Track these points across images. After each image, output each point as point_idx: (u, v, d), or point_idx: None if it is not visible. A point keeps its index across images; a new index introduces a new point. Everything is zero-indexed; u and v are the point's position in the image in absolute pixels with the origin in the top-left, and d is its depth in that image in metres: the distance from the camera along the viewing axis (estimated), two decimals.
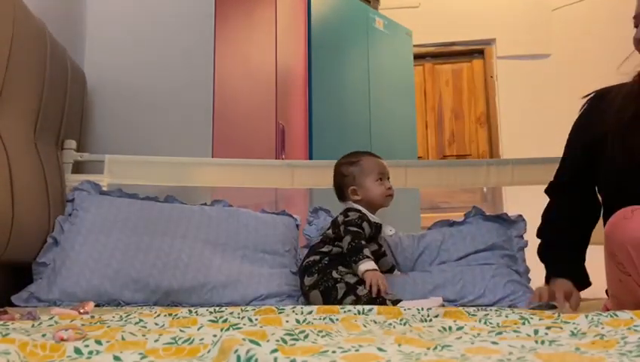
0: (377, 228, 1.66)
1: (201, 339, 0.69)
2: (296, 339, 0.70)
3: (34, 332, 0.79)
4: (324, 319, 0.99)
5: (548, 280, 1.45)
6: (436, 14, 4.49)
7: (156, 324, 0.95)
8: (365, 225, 1.60)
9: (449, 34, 4.53)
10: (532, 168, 2.06)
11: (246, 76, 2.53)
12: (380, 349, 0.60)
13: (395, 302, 1.44)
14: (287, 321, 0.94)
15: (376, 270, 1.49)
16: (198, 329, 0.85)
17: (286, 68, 2.91)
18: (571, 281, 1.40)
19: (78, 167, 2.06)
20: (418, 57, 4.36)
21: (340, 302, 1.48)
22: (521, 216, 1.91)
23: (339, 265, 1.56)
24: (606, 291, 1.37)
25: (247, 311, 1.12)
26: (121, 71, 2.26)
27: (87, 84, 2.16)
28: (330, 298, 1.50)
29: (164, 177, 2.03)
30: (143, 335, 0.73)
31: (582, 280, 1.43)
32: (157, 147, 2.16)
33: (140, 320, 0.97)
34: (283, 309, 1.14)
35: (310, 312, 1.11)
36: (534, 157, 2.11)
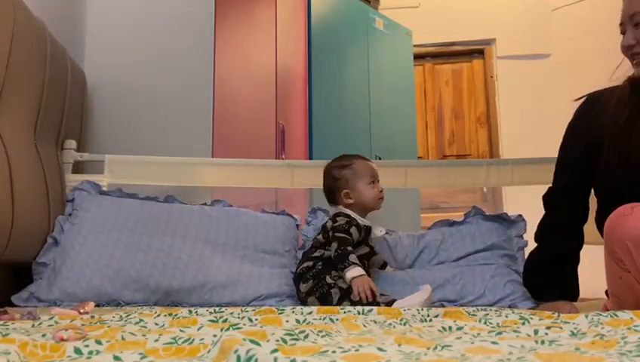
0: (367, 230, 1.66)
1: (201, 339, 0.69)
2: (296, 339, 0.70)
3: (34, 332, 0.79)
4: (324, 319, 0.99)
5: (544, 298, 1.47)
6: (436, 14, 4.49)
7: (156, 324, 0.95)
8: (353, 229, 1.60)
9: (449, 34, 4.53)
10: (532, 168, 2.05)
11: (246, 76, 2.53)
12: (380, 349, 0.60)
13: (390, 303, 1.44)
14: (287, 321, 0.94)
15: (363, 275, 1.49)
16: (198, 329, 0.85)
17: (286, 68, 2.91)
18: (568, 299, 1.44)
19: (78, 167, 2.06)
20: (418, 57, 4.36)
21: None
22: (521, 216, 1.91)
23: (332, 269, 1.56)
24: (606, 292, 1.37)
25: (247, 311, 1.12)
26: (121, 71, 2.26)
27: (87, 84, 2.16)
28: (326, 303, 1.50)
29: (164, 177, 2.03)
30: (143, 335, 0.73)
31: (576, 296, 1.47)
32: (157, 147, 2.16)
33: (140, 320, 0.97)
34: (283, 309, 1.14)
35: (310, 312, 1.11)
36: (534, 157, 2.11)
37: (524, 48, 4.38)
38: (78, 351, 0.62)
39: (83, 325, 0.92)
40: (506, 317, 0.99)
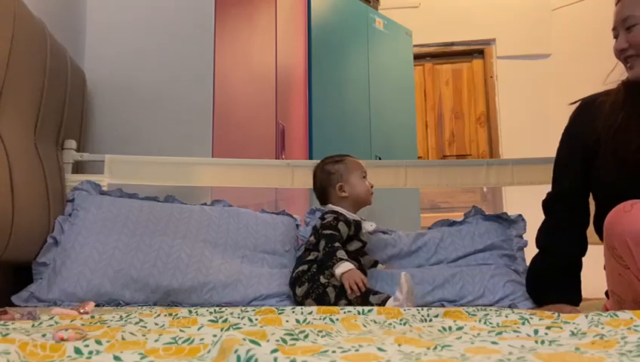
0: (357, 225, 1.66)
1: (201, 339, 0.69)
2: (297, 339, 0.70)
3: (34, 332, 0.79)
4: (324, 319, 0.99)
5: (546, 303, 1.47)
6: (436, 14, 4.50)
7: (156, 324, 0.95)
8: (341, 225, 1.61)
9: (449, 34, 4.53)
10: (532, 168, 2.05)
11: (246, 76, 2.53)
12: (380, 349, 0.60)
13: (384, 302, 1.44)
14: (287, 321, 0.95)
15: (351, 269, 1.49)
16: (198, 329, 0.85)
17: (286, 68, 2.91)
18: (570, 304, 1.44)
19: (78, 167, 2.06)
20: (418, 57, 4.36)
21: (334, 306, 1.49)
22: (521, 215, 1.91)
23: (325, 269, 1.56)
24: (606, 293, 1.37)
25: (247, 311, 1.12)
26: (121, 71, 2.26)
27: (87, 84, 2.16)
28: (323, 304, 1.50)
29: (164, 177, 2.03)
30: (143, 335, 0.73)
31: (578, 302, 1.47)
32: (157, 147, 2.16)
33: (140, 320, 0.97)
34: (283, 309, 1.14)
35: (310, 312, 1.11)
36: (534, 157, 2.11)
37: (524, 48, 4.39)
38: (78, 351, 0.62)
39: (83, 325, 0.92)
40: (506, 317, 0.99)
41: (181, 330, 0.83)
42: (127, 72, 2.25)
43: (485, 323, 0.93)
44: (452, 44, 4.58)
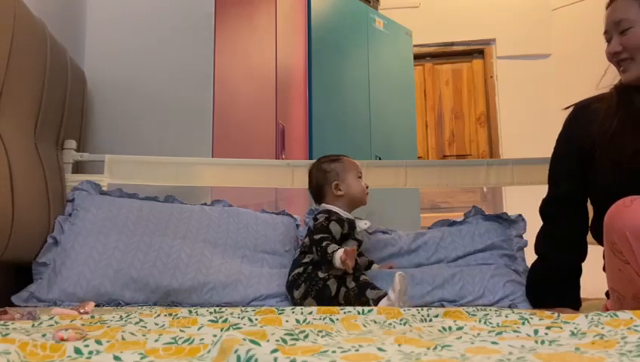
0: (351, 223, 1.66)
1: (201, 339, 0.69)
2: (297, 339, 0.70)
3: (34, 332, 0.79)
4: (324, 319, 0.99)
5: (544, 308, 1.47)
6: (436, 14, 4.50)
7: (156, 324, 0.95)
8: (333, 225, 1.60)
9: (449, 34, 4.53)
10: (532, 168, 2.05)
11: (246, 76, 2.53)
12: (380, 349, 0.60)
13: (379, 299, 1.45)
14: (287, 321, 0.95)
15: (341, 250, 1.50)
16: (198, 329, 0.85)
17: (286, 68, 2.91)
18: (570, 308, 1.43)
19: (78, 167, 2.06)
20: (418, 57, 4.36)
21: (335, 297, 1.51)
22: (521, 215, 1.91)
23: (322, 266, 1.57)
24: (606, 293, 1.37)
25: (247, 311, 1.12)
26: (121, 71, 2.26)
27: (87, 84, 2.16)
28: (324, 298, 1.51)
29: (164, 177, 2.03)
30: (143, 335, 0.73)
31: (578, 307, 1.46)
32: (157, 147, 2.16)
33: (140, 320, 0.97)
34: (283, 309, 1.14)
35: (310, 312, 1.11)
36: (534, 157, 2.11)
37: (524, 48, 4.39)
38: (78, 351, 0.62)
39: (83, 325, 0.92)
40: (506, 317, 0.99)
41: (181, 330, 0.83)
42: (127, 72, 2.25)
43: (485, 323, 0.93)
44: (452, 44, 4.58)
